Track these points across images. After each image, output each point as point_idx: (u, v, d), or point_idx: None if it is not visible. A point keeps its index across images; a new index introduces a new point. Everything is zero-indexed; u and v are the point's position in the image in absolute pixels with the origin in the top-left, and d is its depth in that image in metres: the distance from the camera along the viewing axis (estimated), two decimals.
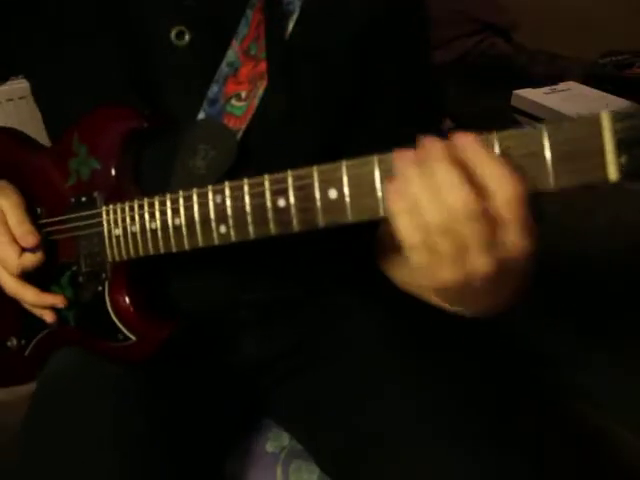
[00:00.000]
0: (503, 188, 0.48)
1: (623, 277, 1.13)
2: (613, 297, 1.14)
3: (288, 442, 0.84)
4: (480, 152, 0.50)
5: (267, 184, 0.57)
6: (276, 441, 0.85)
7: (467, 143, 0.50)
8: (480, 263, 0.50)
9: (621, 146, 0.43)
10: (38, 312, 0.77)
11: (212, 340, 0.82)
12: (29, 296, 0.76)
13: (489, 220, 0.49)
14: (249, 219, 0.58)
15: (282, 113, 0.72)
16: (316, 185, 0.54)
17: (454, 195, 0.48)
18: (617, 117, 0.44)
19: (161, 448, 0.72)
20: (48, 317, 0.77)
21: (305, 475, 0.81)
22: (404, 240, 0.51)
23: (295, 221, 0.56)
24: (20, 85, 1.24)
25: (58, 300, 0.76)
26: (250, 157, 0.71)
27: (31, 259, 0.74)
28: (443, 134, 0.82)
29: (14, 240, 0.74)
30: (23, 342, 0.81)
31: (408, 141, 0.76)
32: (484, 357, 0.96)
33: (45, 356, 0.81)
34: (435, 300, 0.63)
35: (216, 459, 0.82)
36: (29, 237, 0.73)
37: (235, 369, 0.84)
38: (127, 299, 0.72)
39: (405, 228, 0.51)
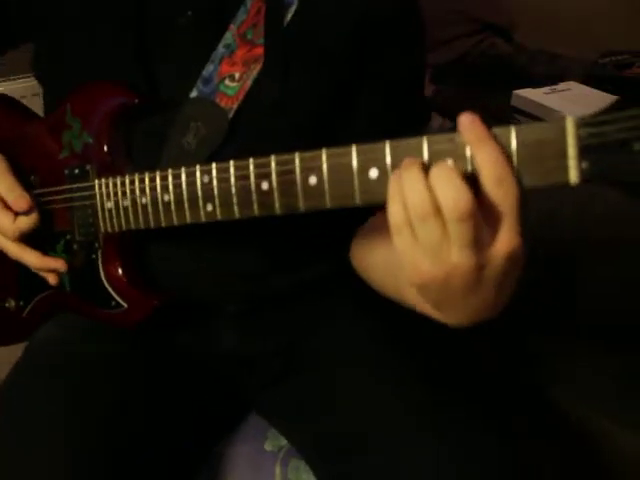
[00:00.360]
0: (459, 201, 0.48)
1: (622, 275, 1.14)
2: (613, 296, 1.14)
3: (286, 441, 0.84)
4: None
5: (252, 167, 0.59)
6: (275, 440, 0.85)
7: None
8: (460, 260, 0.50)
9: (583, 152, 0.45)
10: (42, 274, 0.80)
11: (195, 330, 0.84)
12: (32, 259, 0.78)
13: (476, 220, 0.49)
14: (234, 200, 0.61)
15: (274, 98, 0.73)
16: (297, 171, 0.57)
17: (445, 192, 0.49)
18: (582, 123, 0.45)
19: (144, 443, 0.73)
20: (51, 279, 0.80)
21: (304, 474, 0.81)
22: (389, 219, 0.52)
23: (277, 204, 0.58)
24: (21, 85, 1.24)
25: (59, 264, 0.78)
26: (240, 137, 0.73)
27: (26, 222, 0.76)
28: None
29: (6, 206, 0.76)
30: (22, 303, 0.84)
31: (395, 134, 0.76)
32: (476, 357, 0.96)
33: (42, 318, 0.84)
34: (413, 303, 0.63)
35: (199, 457, 0.83)
36: (21, 201, 0.76)
37: (217, 364, 0.85)
38: (119, 268, 0.75)
39: (390, 208, 0.52)
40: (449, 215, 0.49)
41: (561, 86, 1.46)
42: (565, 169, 0.45)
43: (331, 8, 0.75)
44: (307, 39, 0.74)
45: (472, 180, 0.50)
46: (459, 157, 0.50)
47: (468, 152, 0.50)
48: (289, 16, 0.73)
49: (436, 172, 0.50)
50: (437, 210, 0.49)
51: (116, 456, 0.71)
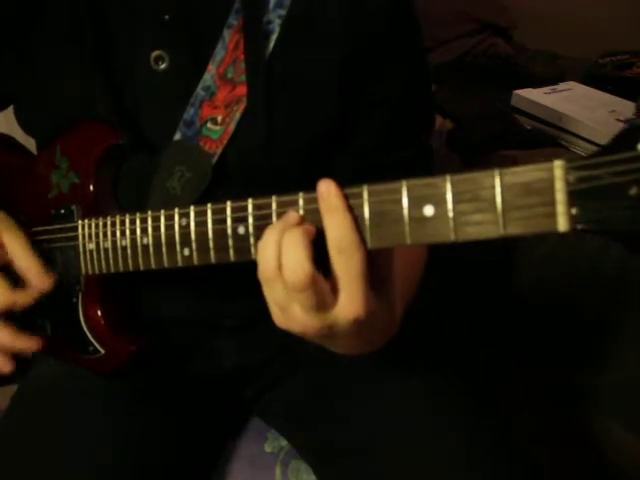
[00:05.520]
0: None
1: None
2: (613, 295, 1.14)
3: (287, 442, 0.84)
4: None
5: (229, 211, 0.57)
6: (275, 441, 0.85)
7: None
8: (306, 319, 0.52)
9: (573, 197, 0.42)
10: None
11: (192, 349, 0.83)
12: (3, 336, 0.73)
13: (316, 288, 0.50)
14: (210, 244, 0.59)
15: (261, 137, 0.70)
16: (274, 215, 0.55)
17: (287, 259, 0.50)
18: (571, 166, 0.42)
19: (146, 455, 0.73)
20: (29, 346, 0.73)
21: (304, 475, 0.81)
22: None
23: (253, 249, 0.56)
24: None
25: (33, 343, 0.72)
26: (227, 180, 0.70)
27: (25, 299, 0.72)
28: (427, 154, 0.81)
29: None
30: None
31: (392, 162, 0.74)
32: (479, 357, 0.96)
33: (26, 360, 0.80)
34: None
35: (204, 466, 0.82)
36: (44, 278, 0.71)
37: (216, 377, 0.84)
38: (99, 312, 0.73)
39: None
40: (288, 282, 0.50)
41: (561, 86, 1.46)
42: (553, 216, 0.43)
43: (315, 32, 0.71)
44: (292, 70, 0.70)
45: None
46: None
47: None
48: (271, 45, 0.69)
49: (287, 237, 0.50)
50: (278, 275, 0.51)
51: (119, 470, 0.71)
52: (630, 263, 1.09)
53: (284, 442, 0.84)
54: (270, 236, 0.51)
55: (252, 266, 0.72)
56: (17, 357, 0.74)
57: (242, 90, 0.69)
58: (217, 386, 0.84)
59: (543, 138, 1.34)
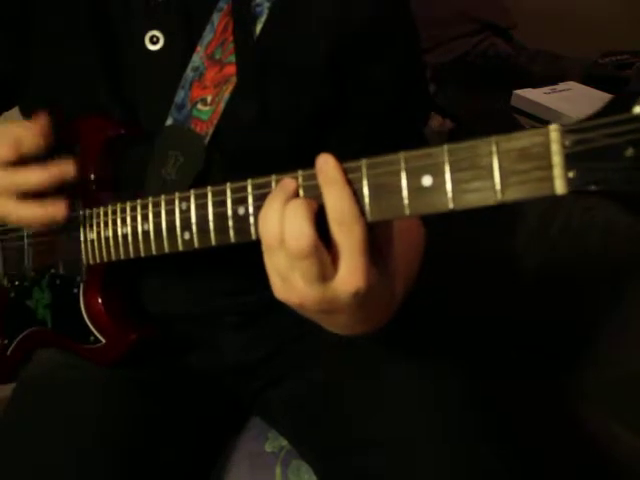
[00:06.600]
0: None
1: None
2: (613, 294, 1.14)
3: (287, 442, 0.84)
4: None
5: (228, 192, 0.58)
6: (275, 441, 0.85)
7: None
8: (306, 291, 0.52)
9: (570, 160, 0.42)
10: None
11: (193, 345, 0.83)
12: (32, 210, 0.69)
13: (318, 257, 0.50)
14: (211, 226, 0.59)
15: (251, 116, 0.71)
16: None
17: (290, 227, 0.50)
18: (567, 129, 0.42)
19: (145, 450, 0.73)
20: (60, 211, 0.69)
21: (304, 475, 0.81)
22: None
23: (253, 229, 0.56)
24: None
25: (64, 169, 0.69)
26: (220, 161, 0.71)
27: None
28: (422, 141, 0.81)
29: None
30: (6, 342, 0.83)
31: (384, 145, 0.75)
32: (479, 356, 0.96)
33: (25, 356, 0.82)
34: None
35: (203, 462, 0.82)
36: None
37: (217, 373, 0.84)
38: (100, 301, 0.73)
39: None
40: (290, 249, 0.50)
41: (561, 86, 1.46)
42: (550, 179, 0.43)
43: (302, 15, 0.72)
44: (281, 50, 0.72)
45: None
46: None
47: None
48: (259, 28, 0.71)
49: (290, 206, 0.51)
50: (281, 243, 0.51)
51: (118, 468, 0.70)
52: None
53: (284, 442, 0.84)
54: (271, 205, 0.52)
55: (253, 263, 0.73)
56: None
57: (231, 70, 0.71)
58: (217, 382, 0.84)
59: None
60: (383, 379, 0.76)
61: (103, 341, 0.74)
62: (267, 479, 0.82)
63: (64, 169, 0.68)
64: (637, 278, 1.11)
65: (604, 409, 1.07)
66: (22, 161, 0.68)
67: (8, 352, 0.83)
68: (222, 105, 0.71)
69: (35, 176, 0.67)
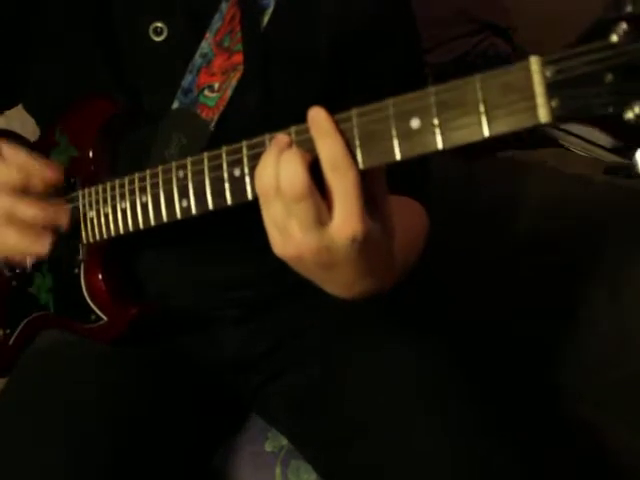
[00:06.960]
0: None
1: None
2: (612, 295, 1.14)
3: (287, 442, 0.84)
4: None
5: (224, 155, 0.59)
6: (275, 441, 0.85)
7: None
8: (304, 239, 0.53)
9: (552, 88, 0.43)
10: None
11: (194, 339, 0.83)
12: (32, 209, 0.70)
13: (314, 201, 0.51)
14: (207, 190, 0.60)
15: (255, 106, 0.73)
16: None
17: (284, 173, 0.51)
18: (547, 60, 0.44)
19: (144, 443, 0.73)
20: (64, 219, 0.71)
21: (304, 475, 0.81)
22: None
23: (249, 188, 0.57)
24: None
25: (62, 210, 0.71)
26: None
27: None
28: None
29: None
30: (8, 331, 0.84)
31: None
32: (477, 354, 0.96)
33: (27, 342, 0.83)
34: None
35: (202, 456, 0.82)
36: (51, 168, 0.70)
37: (217, 368, 0.84)
38: (100, 277, 0.75)
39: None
40: (286, 194, 0.51)
41: None
42: (534, 108, 0.44)
43: (307, 8, 0.74)
44: (286, 42, 0.74)
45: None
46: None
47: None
48: (266, 19, 0.73)
49: (284, 157, 0.52)
50: (277, 191, 0.52)
51: (117, 460, 0.70)
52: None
53: (284, 441, 0.84)
54: (266, 159, 0.53)
55: (254, 256, 0.74)
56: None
57: (238, 58, 0.72)
58: (217, 378, 0.85)
59: (543, 138, 1.34)
60: (382, 374, 0.76)
61: (104, 319, 0.75)
62: (267, 479, 0.82)
63: (60, 215, 0.71)
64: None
65: (604, 409, 1.07)
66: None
67: (10, 341, 0.83)
68: (229, 92, 0.72)
69: (32, 212, 0.69)
